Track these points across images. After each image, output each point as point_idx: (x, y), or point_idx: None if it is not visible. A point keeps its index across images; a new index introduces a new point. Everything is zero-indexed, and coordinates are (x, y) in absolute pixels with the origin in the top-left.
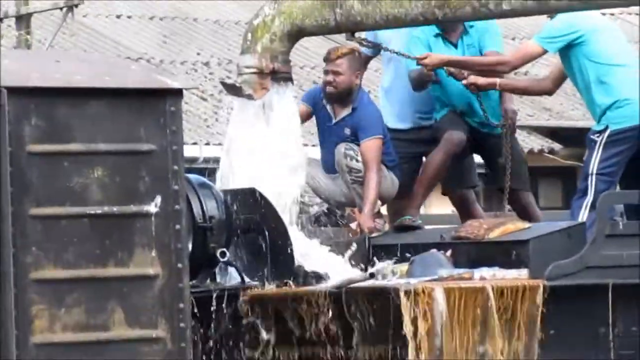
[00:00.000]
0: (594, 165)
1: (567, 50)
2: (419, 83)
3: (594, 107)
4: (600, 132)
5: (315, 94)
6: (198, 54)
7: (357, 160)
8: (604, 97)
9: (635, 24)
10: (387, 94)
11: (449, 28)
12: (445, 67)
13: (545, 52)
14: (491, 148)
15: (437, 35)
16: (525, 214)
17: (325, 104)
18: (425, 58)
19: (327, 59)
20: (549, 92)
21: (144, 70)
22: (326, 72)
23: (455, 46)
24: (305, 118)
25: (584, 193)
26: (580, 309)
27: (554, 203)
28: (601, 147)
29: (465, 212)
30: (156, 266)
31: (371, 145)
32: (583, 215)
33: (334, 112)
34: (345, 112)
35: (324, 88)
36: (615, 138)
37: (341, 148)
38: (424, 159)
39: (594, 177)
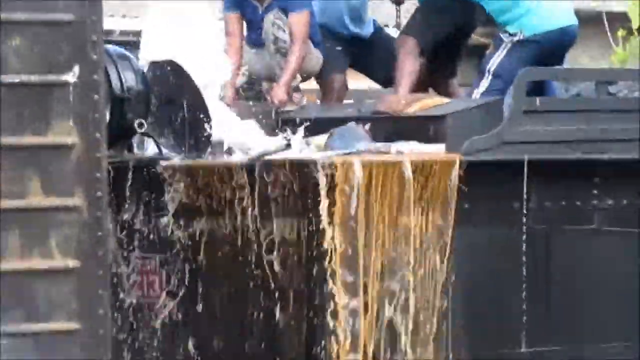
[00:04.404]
0: (493, 63)
1: None
2: None
3: (507, 14)
4: (512, 35)
5: None
6: None
7: (284, 31)
8: (517, 7)
9: None
10: None
11: None
12: None
13: None
14: None
15: None
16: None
17: None
18: None
19: None
20: None
21: None
22: None
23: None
24: (240, 26)
25: (477, 86)
26: (495, 184)
27: (469, 80)
28: (506, 49)
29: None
30: (74, 135)
31: (299, 18)
32: None
33: (259, 1)
34: None
35: None
36: (524, 44)
37: (270, 16)
38: None
39: (490, 75)
